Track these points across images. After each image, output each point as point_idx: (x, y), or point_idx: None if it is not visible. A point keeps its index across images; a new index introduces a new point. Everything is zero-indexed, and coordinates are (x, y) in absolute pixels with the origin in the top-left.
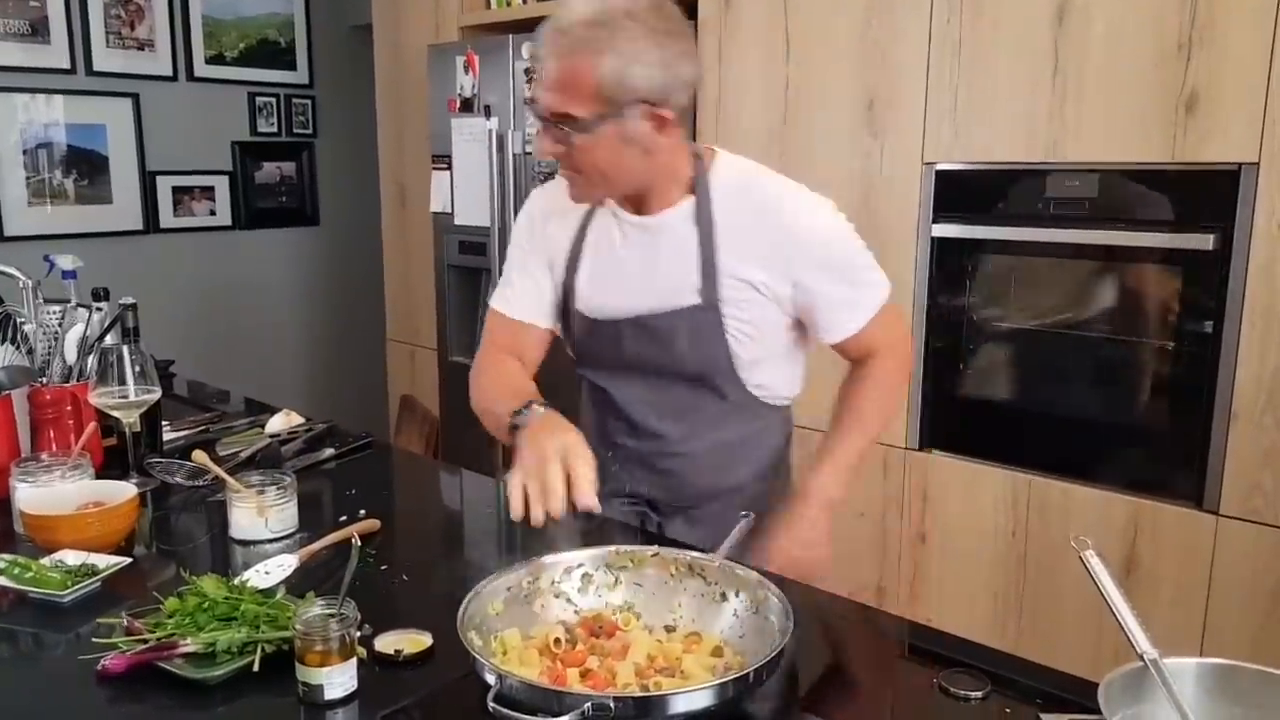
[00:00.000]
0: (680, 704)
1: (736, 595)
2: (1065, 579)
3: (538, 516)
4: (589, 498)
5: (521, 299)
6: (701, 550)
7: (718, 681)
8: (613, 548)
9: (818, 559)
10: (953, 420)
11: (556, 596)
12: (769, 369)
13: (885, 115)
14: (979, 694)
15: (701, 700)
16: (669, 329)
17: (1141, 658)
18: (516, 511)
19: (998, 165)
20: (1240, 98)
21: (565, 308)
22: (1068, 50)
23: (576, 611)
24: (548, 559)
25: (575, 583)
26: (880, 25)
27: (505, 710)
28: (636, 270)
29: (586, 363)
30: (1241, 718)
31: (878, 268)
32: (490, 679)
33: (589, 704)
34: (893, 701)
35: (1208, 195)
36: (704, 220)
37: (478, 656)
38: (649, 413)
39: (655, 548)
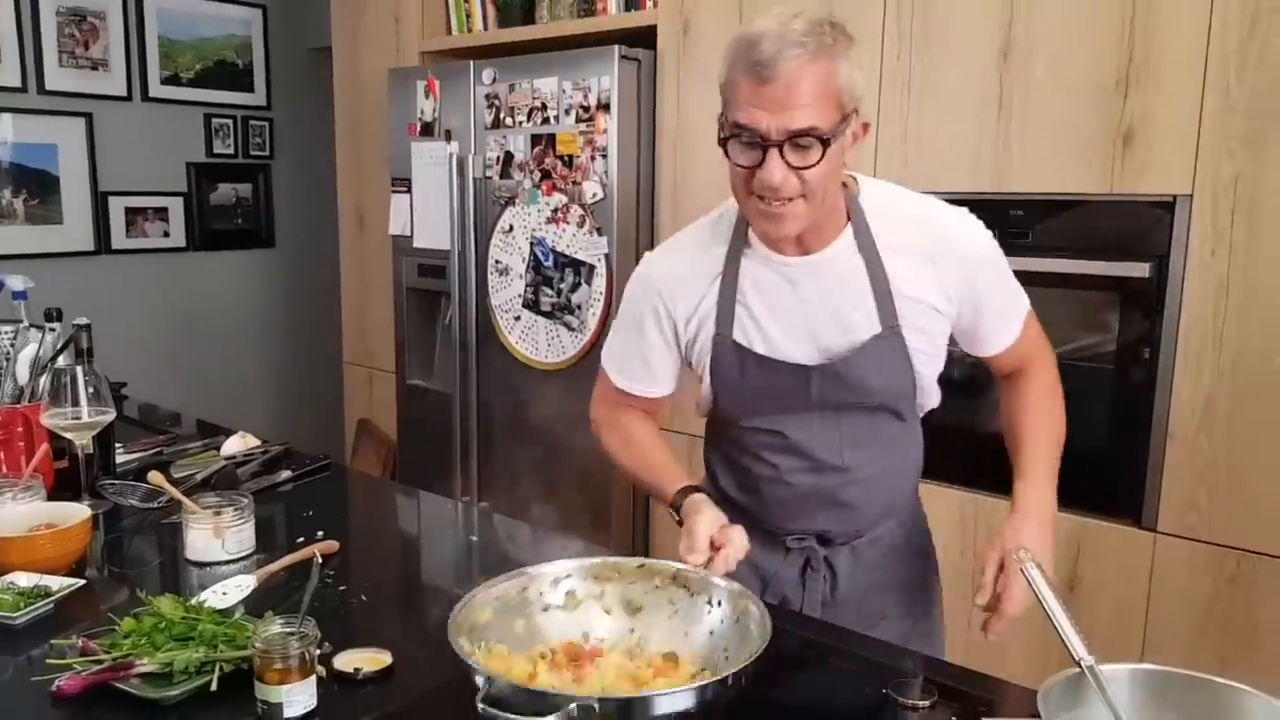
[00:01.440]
0: (663, 705)
1: (719, 605)
2: None
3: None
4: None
5: (638, 375)
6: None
7: (698, 684)
8: (599, 559)
9: None
10: None
11: (545, 610)
12: (931, 385)
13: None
14: (926, 703)
15: (683, 701)
16: (859, 367)
17: (1079, 664)
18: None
19: (946, 195)
20: (1175, 132)
21: (719, 365)
22: (1012, 86)
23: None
24: (535, 570)
25: (560, 597)
26: None
27: (494, 710)
28: (814, 312)
29: (763, 410)
30: (1171, 718)
31: (1017, 283)
32: (479, 681)
33: (574, 705)
34: (846, 709)
35: (1144, 225)
36: (866, 246)
37: (467, 660)
38: (830, 447)
39: (641, 559)
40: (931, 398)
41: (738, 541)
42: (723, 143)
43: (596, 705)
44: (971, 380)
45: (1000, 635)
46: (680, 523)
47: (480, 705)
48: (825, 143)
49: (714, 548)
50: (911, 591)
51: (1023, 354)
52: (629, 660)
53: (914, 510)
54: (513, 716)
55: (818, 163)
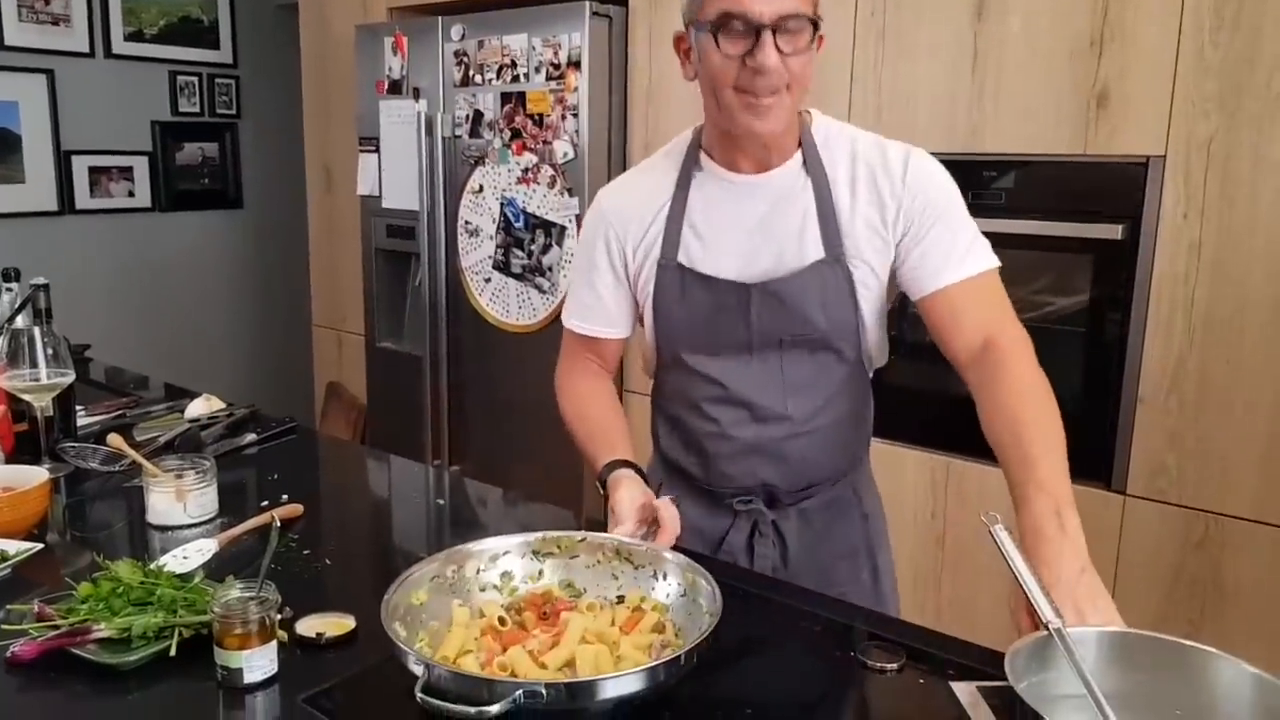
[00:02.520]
0: (611, 689)
1: (665, 578)
2: (982, 558)
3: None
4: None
5: (593, 312)
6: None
7: (648, 665)
8: (539, 535)
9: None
10: (876, 405)
11: (482, 590)
12: (876, 329)
13: (810, 103)
14: (894, 665)
15: (632, 684)
16: (799, 289)
17: (1046, 627)
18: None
19: None
20: (1148, 93)
21: (660, 291)
22: (986, 45)
23: (505, 600)
24: (471, 546)
25: (495, 577)
26: None
27: (434, 701)
28: (757, 229)
29: (701, 340)
30: (1138, 681)
31: (983, 239)
32: (417, 670)
33: (520, 691)
34: (813, 674)
35: (1117, 186)
36: (815, 171)
37: (403, 647)
38: (771, 394)
39: (585, 532)
40: (878, 349)
41: (670, 525)
42: (712, 34)
43: (544, 691)
44: (938, 349)
45: None
46: (605, 497)
47: (419, 696)
48: (814, 25)
49: (652, 523)
50: (861, 557)
51: (981, 320)
52: (591, 618)
53: (865, 473)
54: (455, 706)
55: (807, 45)
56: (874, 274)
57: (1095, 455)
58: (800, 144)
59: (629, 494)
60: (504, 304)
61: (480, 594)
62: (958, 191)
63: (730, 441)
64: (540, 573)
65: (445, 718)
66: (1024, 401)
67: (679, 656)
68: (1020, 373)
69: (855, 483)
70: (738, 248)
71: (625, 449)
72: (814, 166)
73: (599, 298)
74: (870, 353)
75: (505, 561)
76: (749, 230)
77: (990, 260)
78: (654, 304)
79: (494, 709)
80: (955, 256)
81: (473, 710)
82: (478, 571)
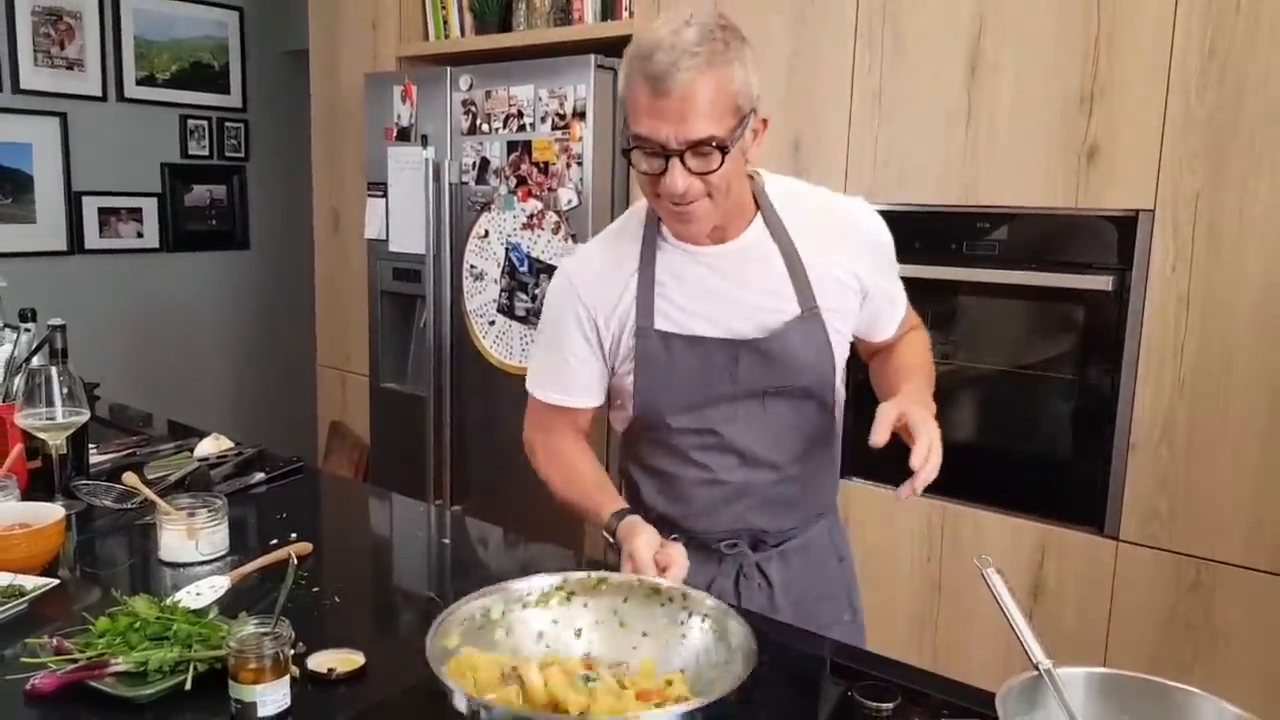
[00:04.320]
0: None
1: (690, 616)
2: (977, 602)
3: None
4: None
5: (566, 383)
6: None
7: (688, 708)
8: (563, 575)
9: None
10: (872, 450)
11: (508, 633)
12: (842, 369)
13: (810, 157)
14: (889, 705)
15: None
16: (783, 347)
17: (1036, 667)
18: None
19: (915, 207)
20: (1137, 149)
21: (644, 358)
22: (979, 100)
23: (540, 637)
24: (515, 585)
25: (534, 607)
26: (805, 70)
27: None
28: (733, 297)
29: (688, 400)
30: None
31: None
32: (465, 706)
33: None
34: (810, 711)
35: (1107, 239)
36: (778, 232)
37: (452, 687)
38: (760, 440)
39: (604, 573)
40: (841, 389)
41: (680, 560)
42: (625, 152)
43: None
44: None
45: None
46: (614, 546)
47: None
48: (724, 150)
49: (658, 568)
50: (842, 598)
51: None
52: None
53: (836, 516)
54: None
55: (718, 168)
56: (844, 319)
57: (1088, 501)
58: (758, 206)
59: (646, 540)
60: (507, 346)
61: (506, 637)
62: (890, 240)
63: (721, 487)
64: (571, 597)
65: None
66: (902, 344)
67: (725, 698)
68: (910, 334)
69: (830, 526)
70: (714, 310)
71: (621, 500)
72: (776, 228)
73: (571, 369)
74: (839, 395)
75: (536, 615)
76: (724, 300)
77: (906, 298)
78: (638, 368)
79: None
80: (897, 307)
81: None
82: (503, 614)
